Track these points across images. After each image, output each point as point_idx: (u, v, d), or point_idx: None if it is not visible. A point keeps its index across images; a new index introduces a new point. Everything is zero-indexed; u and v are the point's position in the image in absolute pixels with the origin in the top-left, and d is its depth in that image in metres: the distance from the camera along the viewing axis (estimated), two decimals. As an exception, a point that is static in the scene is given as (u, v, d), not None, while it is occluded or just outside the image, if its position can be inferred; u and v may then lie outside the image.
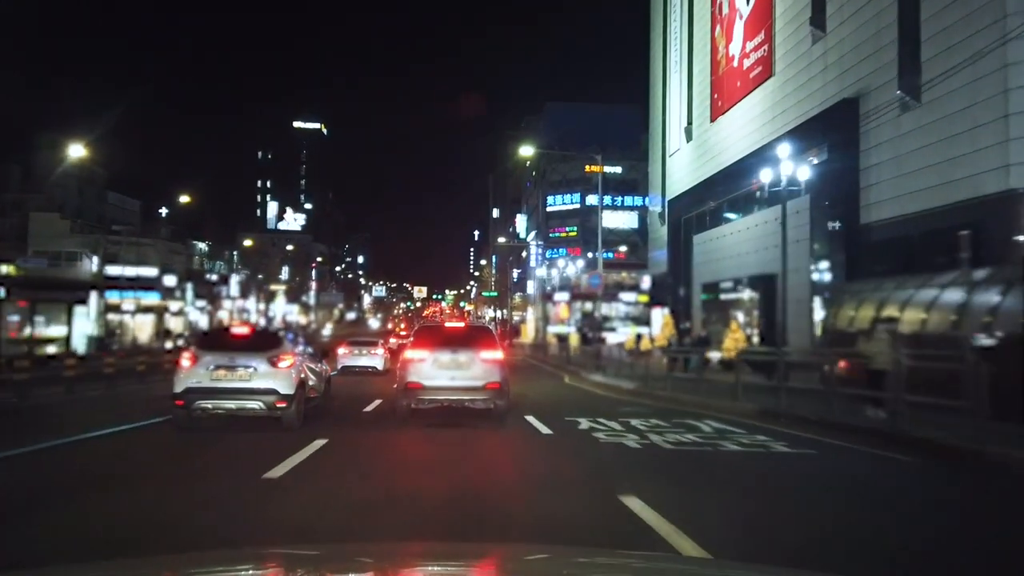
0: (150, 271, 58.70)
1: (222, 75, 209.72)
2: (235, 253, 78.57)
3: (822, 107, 24.53)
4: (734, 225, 33.30)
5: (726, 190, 34.15)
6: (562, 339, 43.63)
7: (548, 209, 63.41)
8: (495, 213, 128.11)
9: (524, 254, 78.90)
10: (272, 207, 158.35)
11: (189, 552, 3.72)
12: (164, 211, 74.71)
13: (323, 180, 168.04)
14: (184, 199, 45.70)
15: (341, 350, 24.02)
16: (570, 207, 62.23)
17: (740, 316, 32.65)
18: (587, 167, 63.95)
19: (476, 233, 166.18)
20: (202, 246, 68.62)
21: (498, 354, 11.60)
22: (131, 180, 74.41)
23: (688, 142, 40.06)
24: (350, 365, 22.86)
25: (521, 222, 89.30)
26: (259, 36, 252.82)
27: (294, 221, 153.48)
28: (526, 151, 28.16)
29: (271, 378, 9.74)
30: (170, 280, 62.48)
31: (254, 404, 9.70)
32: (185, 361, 10.00)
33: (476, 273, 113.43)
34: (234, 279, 78.05)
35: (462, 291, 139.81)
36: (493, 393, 11.09)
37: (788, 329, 28.14)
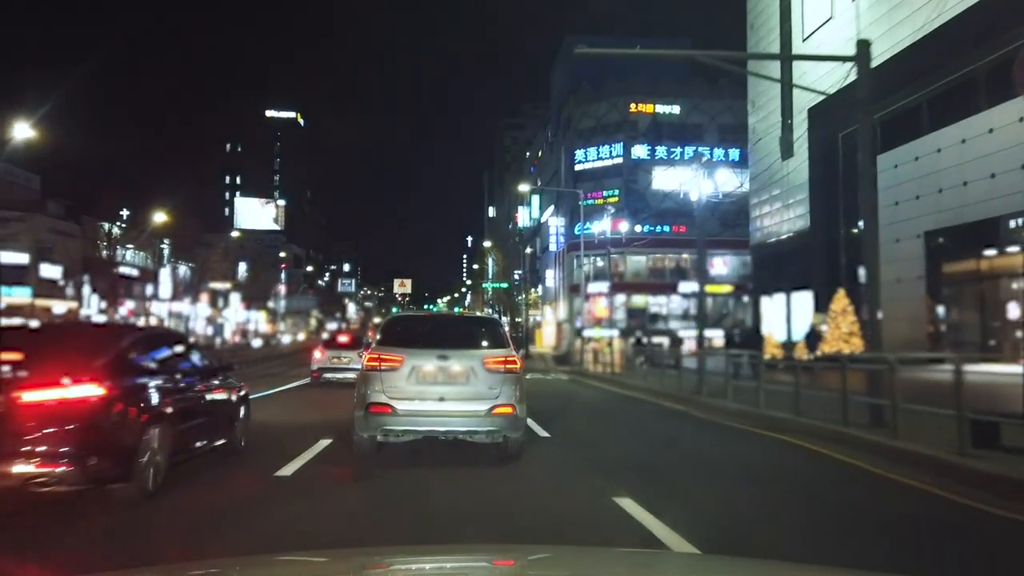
0: (16, 257, 41.31)
1: (183, 55, 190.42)
2: (166, 241, 60.98)
3: None
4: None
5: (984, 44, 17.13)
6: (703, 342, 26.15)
7: (577, 167, 46.15)
8: (491, 212, 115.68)
9: (528, 250, 61.46)
10: (241, 204, 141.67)
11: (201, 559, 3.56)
12: (126, 211, 58.41)
13: (299, 176, 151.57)
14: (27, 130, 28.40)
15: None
16: (608, 162, 45.02)
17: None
18: (632, 105, 47.08)
19: (469, 239, 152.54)
20: (112, 228, 51.00)
21: (512, 359, 7.47)
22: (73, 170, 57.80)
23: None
24: None
25: (525, 213, 72.41)
26: (226, 12, 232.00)
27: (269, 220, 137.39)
28: None
29: (359, 363, 13.28)
30: (52, 270, 45.09)
31: (351, 375, 14.52)
32: (317, 353, 18.42)
33: (475, 266, 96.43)
34: (164, 275, 60.68)
35: (456, 295, 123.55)
36: (504, 421, 7.26)
37: None
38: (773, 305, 29.63)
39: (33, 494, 5.06)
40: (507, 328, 36.79)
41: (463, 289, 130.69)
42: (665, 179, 44.01)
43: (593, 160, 45.33)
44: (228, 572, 2.34)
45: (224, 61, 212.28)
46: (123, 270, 53.80)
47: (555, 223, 51.51)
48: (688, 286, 44.91)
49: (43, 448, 4.97)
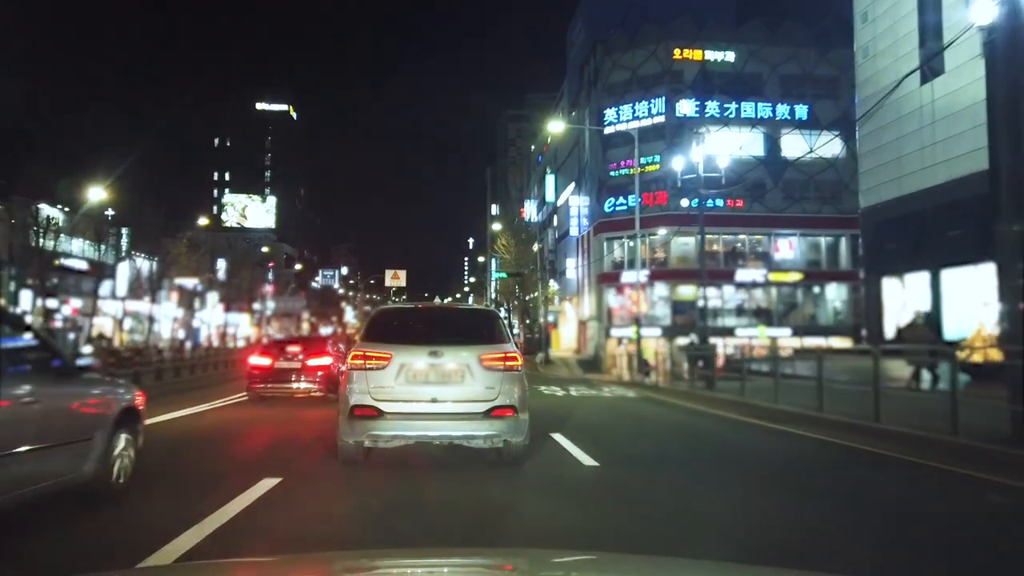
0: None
1: (168, 44, 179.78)
2: (124, 232, 53.01)
3: None
4: None
5: None
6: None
7: (607, 131, 37.78)
8: (494, 210, 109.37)
9: (537, 247, 52.82)
10: (229, 200, 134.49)
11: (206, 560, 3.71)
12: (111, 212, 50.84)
13: (291, 173, 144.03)
14: None
15: None
16: (647, 122, 36.63)
17: None
18: (676, 51, 38.64)
19: (471, 241, 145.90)
20: (53, 213, 42.79)
21: (512, 355, 6.78)
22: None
23: None
24: None
25: (531, 208, 64.43)
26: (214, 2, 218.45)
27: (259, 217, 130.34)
28: None
29: None
30: (-37, 259, 36.89)
31: None
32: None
33: (480, 259, 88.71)
34: (122, 270, 52.48)
35: (458, 295, 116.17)
36: (504, 424, 6.56)
37: None
38: (905, 290, 21.26)
39: (308, 397, 13.50)
40: (520, 330, 28.23)
41: (465, 289, 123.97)
42: (719, 141, 35.91)
43: (627, 120, 36.95)
44: (225, 573, 2.32)
45: (213, 51, 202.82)
46: (66, 262, 45.61)
47: (577, 203, 43.24)
48: (747, 274, 36.50)
49: (313, 381, 13.60)
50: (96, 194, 37.01)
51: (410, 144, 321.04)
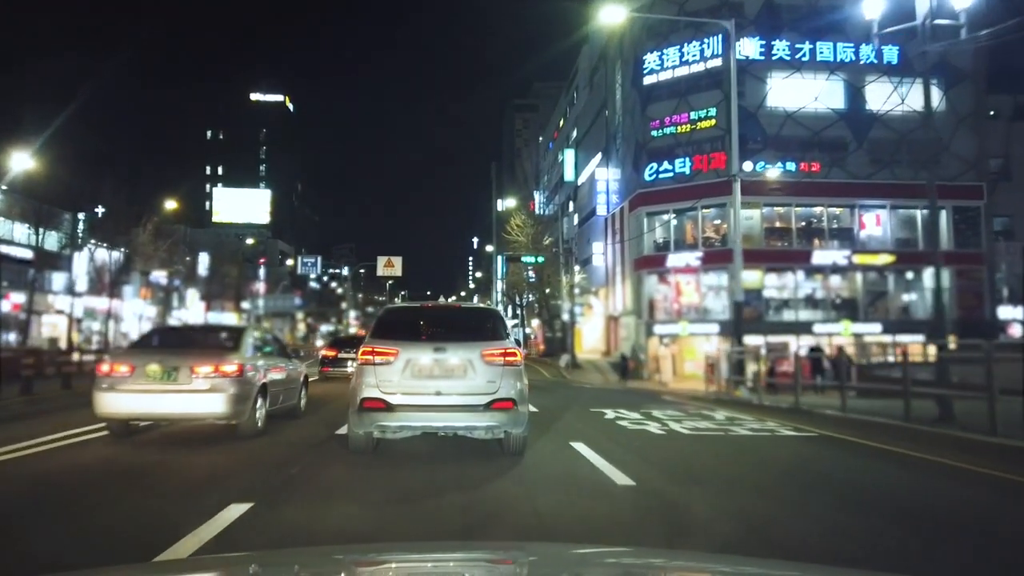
0: None
1: (159, 33, 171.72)
2: (82, 217, 46.66)
3: None
4: None
5: None
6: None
7: (647, 80, 30.72)
8: (500, 206, 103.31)
9: (547, 241, 45.04)
10: (220, 194, 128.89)
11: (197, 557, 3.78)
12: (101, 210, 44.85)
13: (288, 167, 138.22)
14: None
15: None
16: (699, 67, 29.46)
17: None
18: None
19: (475, 240, 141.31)
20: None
21: (511, 351, 7.11)
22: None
23: None
24: None
25: (540, 199, 57.56)
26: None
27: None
28: None
29: None
30: None
31: None
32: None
33: (488, 248, 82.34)
34: (79, 260, 45.81)
35: (462, 294, 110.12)
36: (504, 416, 6.88)
37: None
38: None
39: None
40: (538, 329, 20.06)
41: (470, 286, 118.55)
42: (789, 90, 28.92)
43: (673, 65, 29.83)
44: (233, 568, 2.34)
45: (204, 39, 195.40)
46: (3, 249, 38.87)
47: (605, 175, 36.30)
48: (826, 255, 29.35)
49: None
50: (21, 162, 30.07)
51: (412, 140, 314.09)
